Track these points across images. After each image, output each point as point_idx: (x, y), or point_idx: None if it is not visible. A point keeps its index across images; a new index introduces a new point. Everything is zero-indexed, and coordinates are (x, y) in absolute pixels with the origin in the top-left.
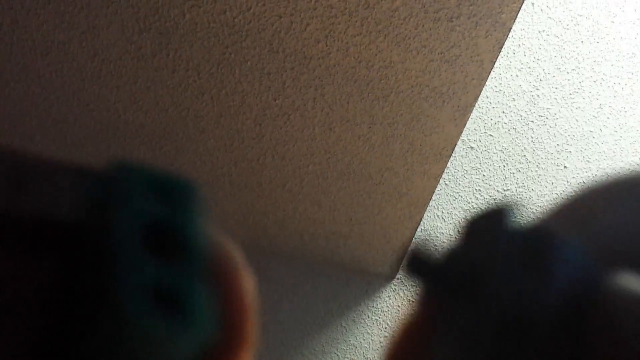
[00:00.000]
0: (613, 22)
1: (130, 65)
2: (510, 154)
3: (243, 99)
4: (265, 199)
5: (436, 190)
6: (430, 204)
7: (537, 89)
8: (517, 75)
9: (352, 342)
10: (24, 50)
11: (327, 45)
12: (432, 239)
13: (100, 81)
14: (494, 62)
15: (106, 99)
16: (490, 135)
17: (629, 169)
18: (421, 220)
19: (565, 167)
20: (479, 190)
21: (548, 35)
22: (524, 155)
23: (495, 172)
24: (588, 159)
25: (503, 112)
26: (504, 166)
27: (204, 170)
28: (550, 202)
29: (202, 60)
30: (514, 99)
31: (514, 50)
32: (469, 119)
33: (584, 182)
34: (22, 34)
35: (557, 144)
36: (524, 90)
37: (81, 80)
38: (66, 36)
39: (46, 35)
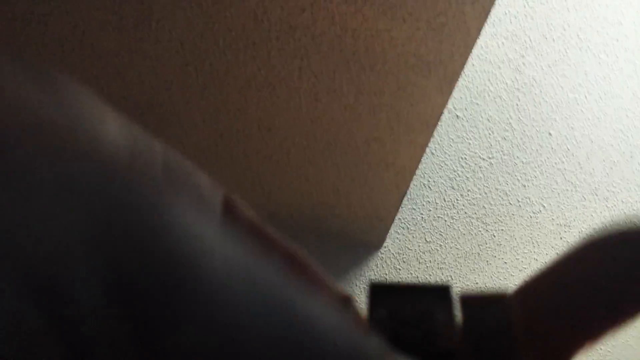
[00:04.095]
0: None
1: (112, 36)
2: (496, 122)
3: (227, 70)
4: (252, 171)
5: (422, 159)
6: (416, 172)
7: (523, 57)
8: (503, 44)
9: None
10: (4, 22)
11: (312, 14)
12: (418, 208)
13: (81, 53)
14: (481, 30)
15: (88, 71)
16: (477, 103)
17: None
18: (407, 189)
19: (550, 134)
20: (465, 158)
21: (534, 2)
22: (510, 123)
23: (481, 141)
24: (572, 126)
25: (489, 80)
26: (490, 134)
27: (189, 143)
28: (535, 169)
29: (185, 31)
30: (499, 67)
31: (500, 18)
32: (455, 87)
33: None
34: (1, 5)
35: (542, 112)
36: (509, 59)
37: (61, 52)
38: (46, 7)
39: (26, 7)
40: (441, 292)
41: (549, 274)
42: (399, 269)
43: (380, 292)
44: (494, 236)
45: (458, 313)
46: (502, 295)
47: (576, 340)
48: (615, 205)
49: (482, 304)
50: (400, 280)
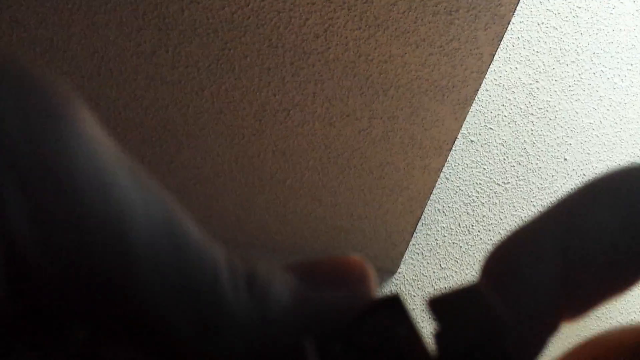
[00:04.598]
0: (612, 13)
1: (130, 62)
2: (511, 147)
3: (243, 95)
4: (266, 195)
5: (437, 184)
6: (431, 198)
7: (537, 82)
8: (516, 68)
9: None
10: (23, 48)
11: (326, 40)
12: (433, 233)
13: (99, 79)
14: (494, 55)
15: (106, 97)
16: (491, 128)
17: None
18: (422, 214)
19: (565, 159)
20: (480, 183)
21: (547, 27)
22: (524, 148)
23: (495, 166)
24: (588, 151)
25: (503, 105)
26: (505, 159)
27: (204, 167)
28: (551, 195)
29: (202, 57)
30: (513, 92)
31: (513, 43)
32: (469, 112)
33: (584, 175)
34: (21, 32)
35: (557, 137)
36: (523, 83)
37: (80, 78)
38: (65, 34)
39: (45, 33)
40: (392, 303)
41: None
42: (414, 296)
43: None
44: None
45: (424, 321)
46: (475, 285)
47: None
48: None
49: (456, 302)
50: (414, 306)
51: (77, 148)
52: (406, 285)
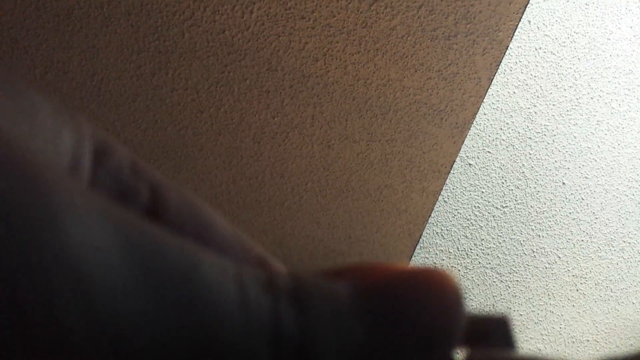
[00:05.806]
0: (609, 39)
1: (130, 84)
2: (509, 170)
3: (242, 117)
4: (264, 217)
5: (435, 207)
6: (429, 220)
7: (535, 106)
8: (514, 92)
9: None
10: (24, 69)
11: (325, 64)
12: (431, 256)
13: (99, 100)
14: (492, 80)
15: (105, 118)
16: (489, 152)
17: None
18: (420, 237)
19: (563, 183)
20: (478, 207)
21: (545, 52)
22: (523, 172)
23: (494, 189)
24: (586, 176)
25: (501, 129)
26: (503, 183)
27: (202, 188)
28: (549, 219)
29: (201, 79)
30: (511, 116)
31: (511, 67)
32: (467, 135)
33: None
34: (21, 53)
35: (556, 161)
36: (521, 107)
37: (80, 99)
38: (65, 55)
39: (45, 54)
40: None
41: None
42: None
43: None
44: (509, 287)
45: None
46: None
47: None
48: (631, 257)
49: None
50: None
51: None
52: None
